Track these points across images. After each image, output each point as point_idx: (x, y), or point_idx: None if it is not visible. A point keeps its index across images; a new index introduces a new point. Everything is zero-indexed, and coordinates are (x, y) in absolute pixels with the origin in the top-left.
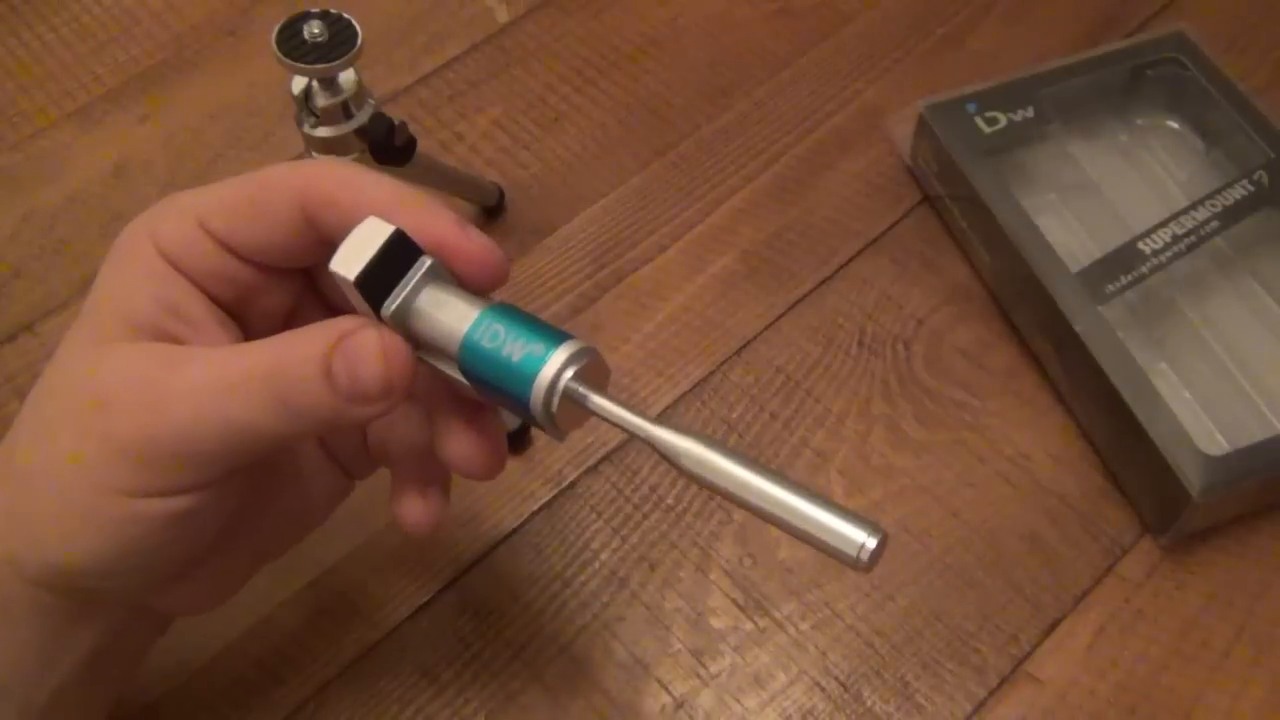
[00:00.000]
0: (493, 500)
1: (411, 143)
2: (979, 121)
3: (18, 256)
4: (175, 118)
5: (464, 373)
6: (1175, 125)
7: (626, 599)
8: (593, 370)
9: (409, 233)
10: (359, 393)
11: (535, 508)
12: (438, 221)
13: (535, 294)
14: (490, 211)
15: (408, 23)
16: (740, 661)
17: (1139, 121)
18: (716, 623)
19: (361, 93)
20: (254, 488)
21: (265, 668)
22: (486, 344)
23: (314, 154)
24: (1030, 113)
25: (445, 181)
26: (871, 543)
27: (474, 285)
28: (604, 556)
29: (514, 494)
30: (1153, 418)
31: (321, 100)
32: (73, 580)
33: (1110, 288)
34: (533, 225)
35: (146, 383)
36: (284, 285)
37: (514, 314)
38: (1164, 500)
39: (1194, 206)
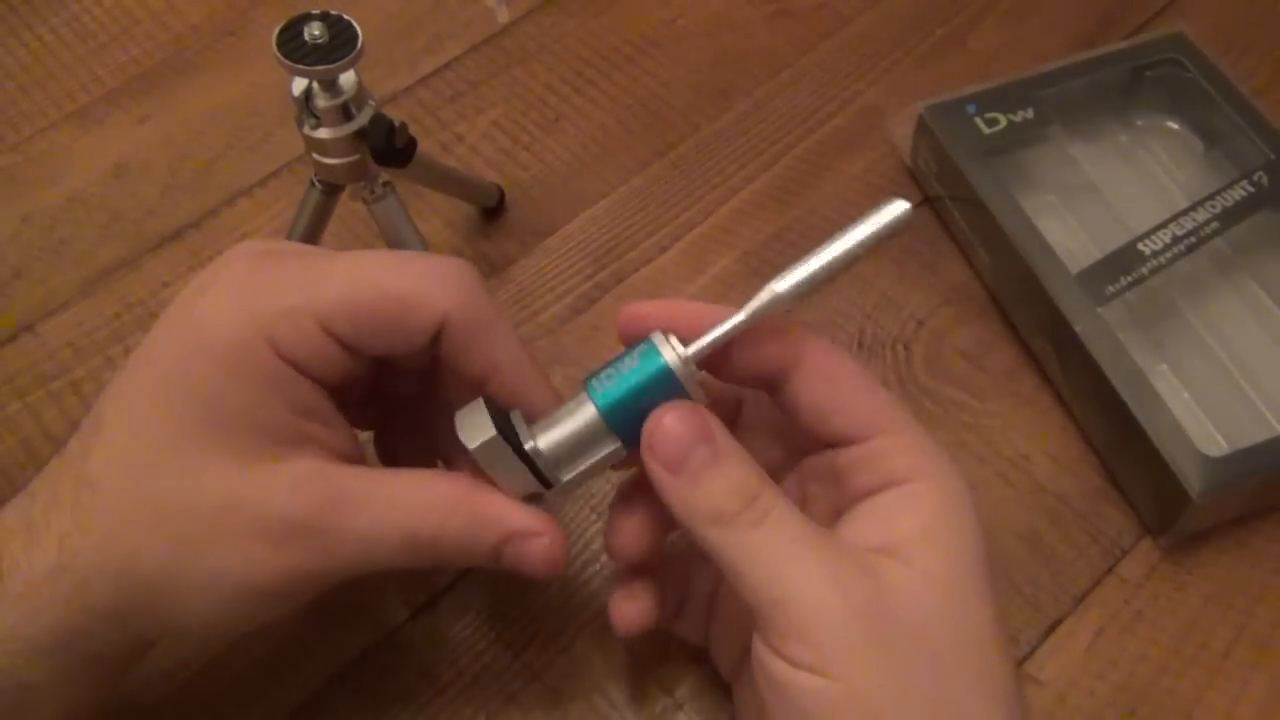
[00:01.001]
0: None
1: (412, 144)
2: (979, 122)
3: (18, 257)
4: (175, 118)
5: (606, 413)
6: (1175, 126)
7: None
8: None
9: (507, 390)
10: (516, 573)
11: None
12: (534, 388)
13: (536, 294)
14: (490, 212)
15: (408, 24)
16: None
17: (1139, 122)
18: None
19: (362, 94)
20: None
21: (266, 668)
22: (607, 384)
23: (315, 155)
24: (1030, 114)
25: (445, 182)
26: (907, 203)
27: None
28: (605, 557)
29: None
30: (1152, 419)
31: (322, 101)
32: (184, 636)
33: (1110, 289)
34: (533, 226)
35: (316, 528)
36: (369, 365)
37: (597, 373)
38: (1164, 501)
39: (1194, 207)
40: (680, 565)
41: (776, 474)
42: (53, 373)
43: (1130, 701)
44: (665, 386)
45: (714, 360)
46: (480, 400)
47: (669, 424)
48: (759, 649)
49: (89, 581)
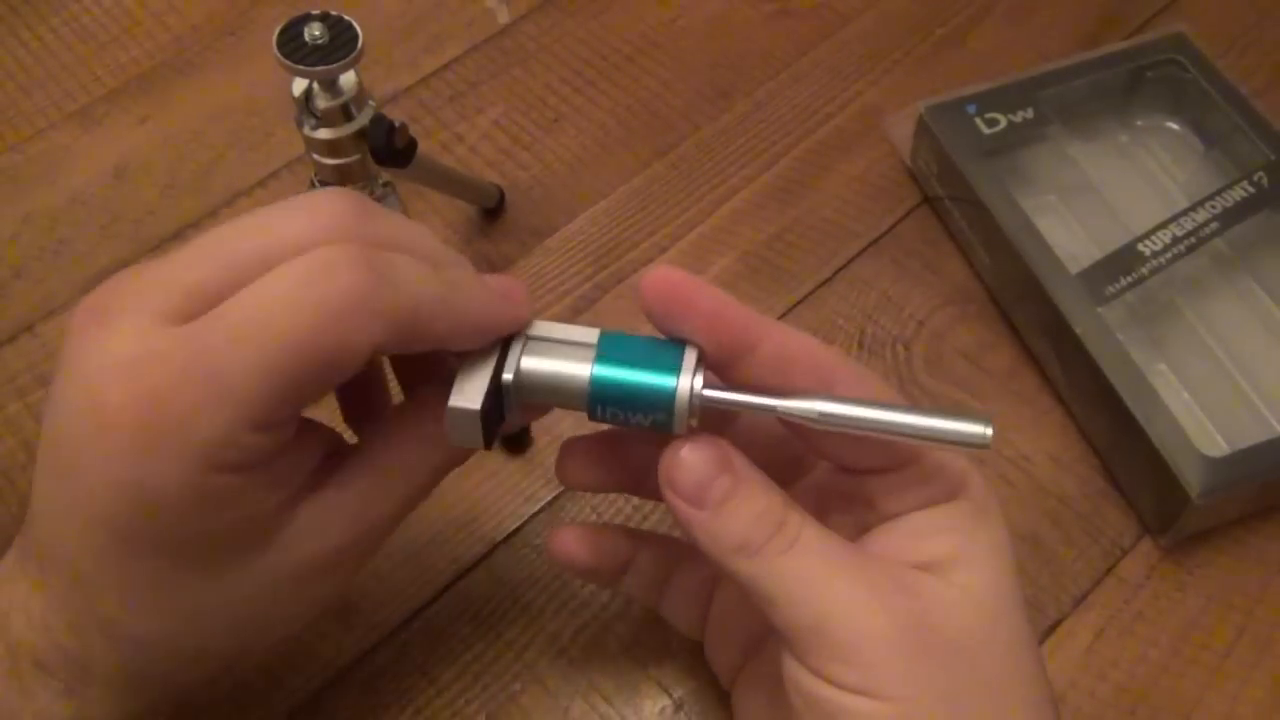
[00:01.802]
0: (493, 501)
1: (412, 144)
2: (979, 122)
3: (18, 257)
4: (175, 119)
5: (594, 401)
6: (1175, 126)
7: (626, 599)
8: (703, 367)
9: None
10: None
11: (536, 509)
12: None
13: (536, 295)
14: (490, 212)
15: (408, 24)
16: None
17: (1139, 123)
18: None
19: (362, 94)
20: None
21: (266, 668)
22: (614, 371)
23: (315, 156)
24: (1030, 114)
25: (445, 183)
26: (989, 430)
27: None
28: None
29: (514, 495)
30: (1152, 419)
31: (322, 102)
32: None
33: (1110, 289)
34: (533, 226)
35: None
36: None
37: (621, 340)
38: (1163, 501)
39: (1194, 208)
40: (671, 545)
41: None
42: (53, 373)
43: (1130, 702)
44: (659, 408)
45: (738, 358)
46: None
47: (686, 457)
48: (797, 672)
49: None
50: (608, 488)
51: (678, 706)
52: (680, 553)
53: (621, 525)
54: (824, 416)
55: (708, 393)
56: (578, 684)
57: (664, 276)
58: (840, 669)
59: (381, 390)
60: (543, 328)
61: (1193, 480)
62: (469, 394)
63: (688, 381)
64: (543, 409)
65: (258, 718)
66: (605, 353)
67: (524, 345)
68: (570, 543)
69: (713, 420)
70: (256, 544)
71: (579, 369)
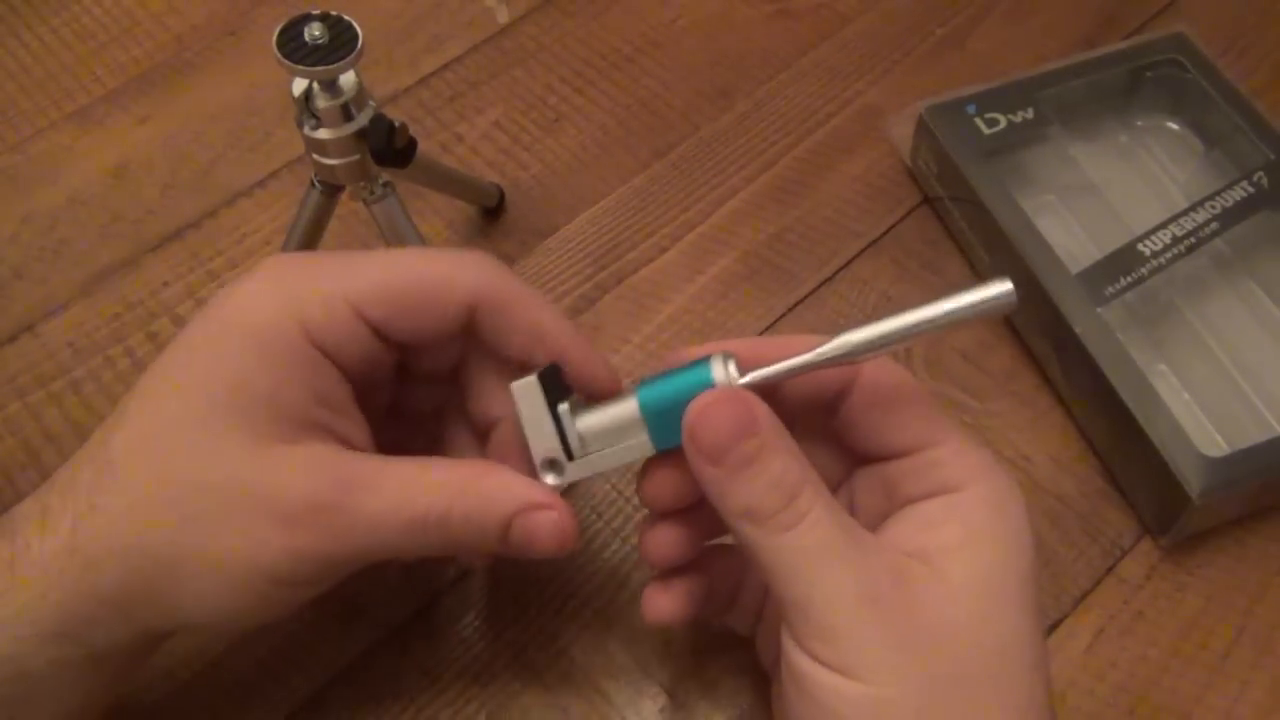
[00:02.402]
0: None
1: (412, 144)
2: (979, 123)
3: (18, 257)
4: (175, 119)
5: (645, 408)
6: (1175, 127)
7: (627, 600)
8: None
9: (559, 353)
10: (526, 553)
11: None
12: (585, 349)
13: None
14: (490, 212)
15: (408, 24)
16: (741, 663)
17: (1139, 123)
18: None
19: (362, 95)
20: None
21: (266, 668)
22: (655, 382)
23: (315, 156)
24: (1030, 114)
25: (445, 183)
26: (1008, 284)
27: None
28: (605, 557)
29: None
30: (1152, 419)
31: (322, 102)
32: (189, 630)
33: (1110, 289)
34: (533, 226)
35: (327, 508)
36: (392, 356)
37: (651, 378)
38: (1163, 501)
39: (1194, 208)
40: (737, 557)
41: (832, 488)
42: (53, 373)
43: (1130, 702)
44: (702, 384)
45: (770, 390)
46: (550, 367)
47: (713, 413)
48: (785, 641)
49: (99, 562)
50: (691, 553)
51: (678, 706)
52: (743, 561)
53: (689, 565)
54: (855, 341)
55: (745, 379)
56: (578, 684)
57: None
58: (820, 645)
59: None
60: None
61: (1193, 480)
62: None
63: (721, 372)
64: (613, 459)
65: (259, 717)
66: (642, 384)
67: (572, 398)
68: (665, 605)
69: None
70: (270, 433)
71: (627, 403)
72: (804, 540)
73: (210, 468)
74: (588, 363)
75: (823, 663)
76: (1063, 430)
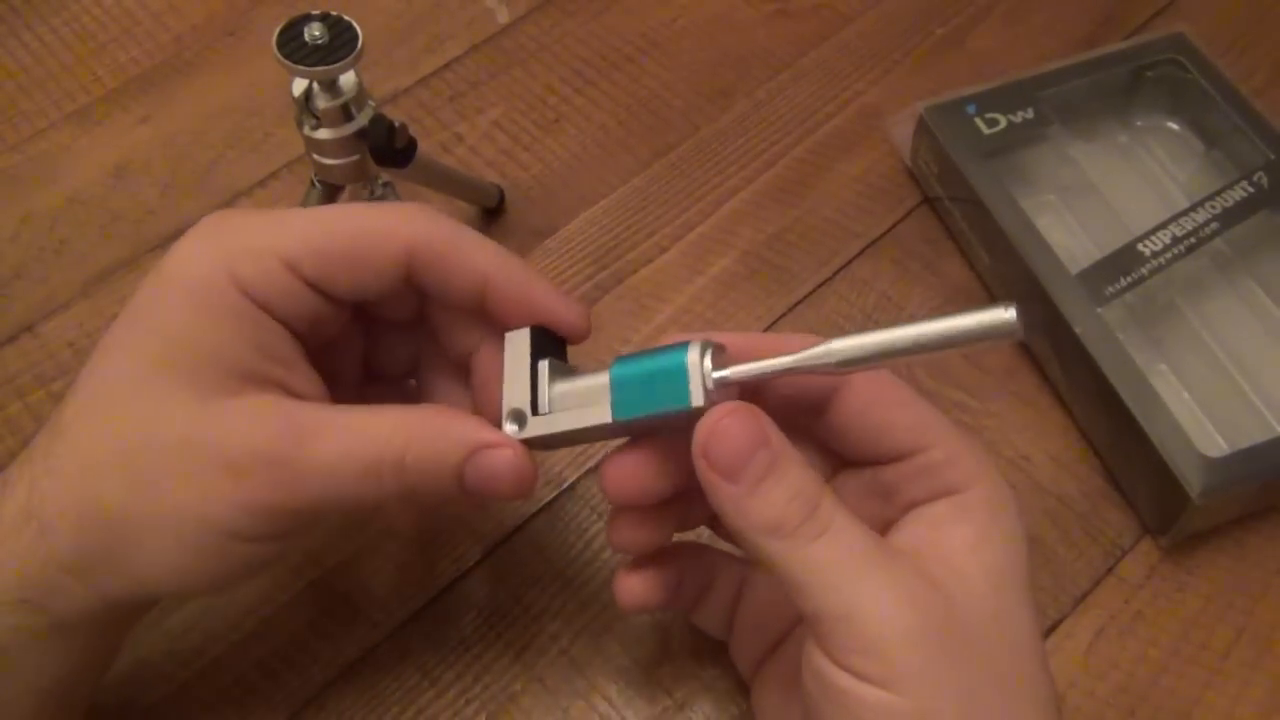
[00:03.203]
0: (493, 501)
1: (412, 144)
2: (979, 123)
3: (18, 257)
4: (175, 118)
5: (616, 400)
6: (1175, 127)
7: None
8: (721, 354)
9: (511, 297)
10: (484, 495)
11: (536, 509)
12: (542, 292)
13: None
14: (490, 212)
15: (408, 24)
16: None
17: (1139, 123)
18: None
19: (362, 95)
20: None
21: (266, 668)
22: (632, 364)
23: (315, 156)
24: (1030, 114)
25: (445, 183)
26: (1012, 311)
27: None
28: (605, 557)
29: None
30: (1152, 419)
31: (322, 102)
32: (154, 599)
33: (1110, 289)
34: (533, 226)
35: (278, 459)
36: (343, 311)
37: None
38: (1163, 502)
39: (1194, 208)
40: (707, 555)
41: None
42: (53, 373)
43: (1130, 702)
44: (675, 390)
45: (754, 389)
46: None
47: (727, 426)
48: (817, 659)
49: (53, 526)
50: (659, 542)
51: (678, 706)
52: (716, 560)
53: (665, 550)
54: (839, 349)
55: (718, 373)
56: (578, 684)
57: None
58: (862, 660)
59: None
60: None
61: (1193, 480)
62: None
63: (696, 356)
64: (576, 434)
65: (259, 717)
66: (617, 360)
67: (555, 365)
68: (639, 589)
69: None
70: (216, 386)
71: (601, 375)
72: (834, 550)
73: (156, 425)
74: (546, 308)
75: (866, 679)
76: (1063, 430)
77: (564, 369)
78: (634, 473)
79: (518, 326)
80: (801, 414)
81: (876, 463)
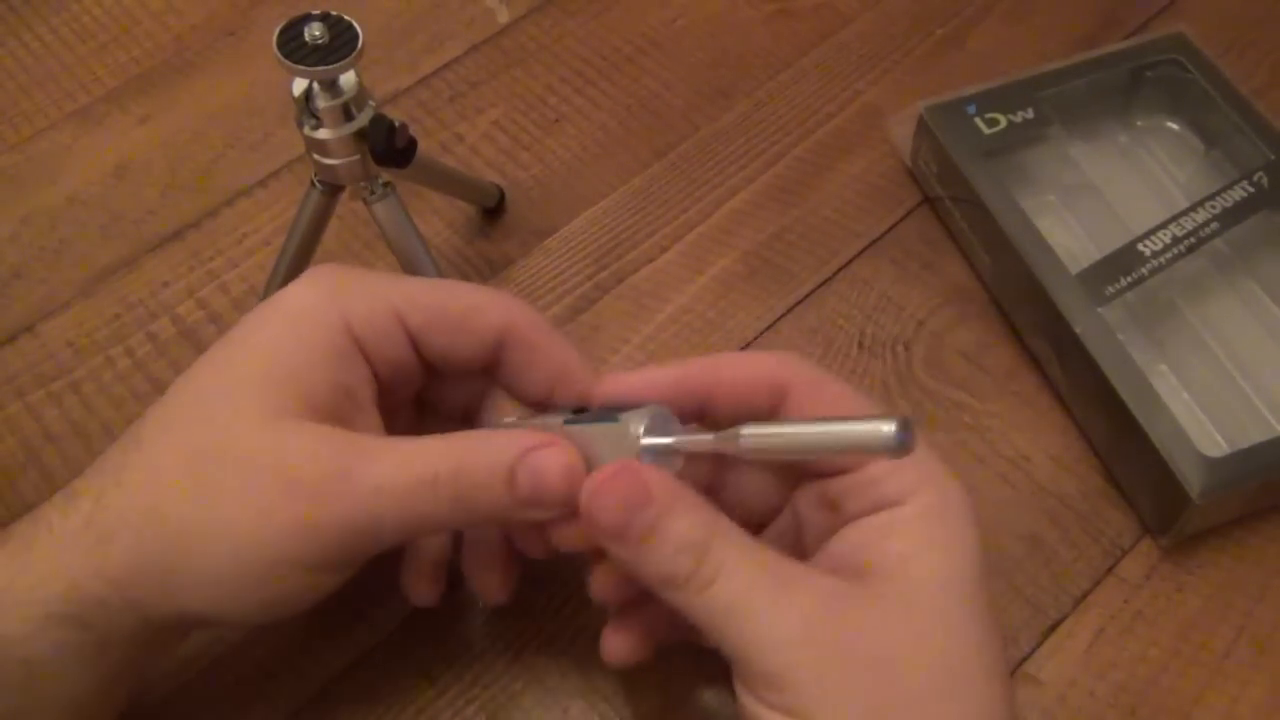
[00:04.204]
0: None
1: (412, 144)
2: (979, 123)
3: (18, 257)
4: (175, 118)
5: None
6: (1175, 127)
7: None
8: (663, 422)
9: (573, 394)
10: (537, 501)
11: None
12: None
13: (536, 295)
14: (490, 212)
15: (408, 24)
16: None
17: (1139, 123)
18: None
19: (362, 94)
20: None
21: (266, 668)
22: (579, 428)
23: (315, 156)
24: (1030, 114)
25: (445, 183)
26: (891, 426)
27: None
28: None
29: None
30: (1152, 419)
31: (322, 102)
32: (191, 621)
33: (1110, 289)
34: (533, 226)
35: (339, 474)
36: (423, 372)
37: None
38: (1163, 502)
39: (1194, 208)
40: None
41: (777, 507)
42: (53, 373)
43: (1130, 701)
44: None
45: (702, 403)
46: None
47: (608, 489)
48: (738, 689)
49: (112, 534)
50: (650, 653)
51: (677, 706)
52: None
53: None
54: (745, 442)
55: (645, 441)
56: (578, 684)
57: (613, 385)
58: (769, 693)
59: None
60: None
61: (1193, 480)
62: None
63: (633, 426)
64: None
65: (259, 717)
66: (573, 416)
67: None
68: (622, 646)
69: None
70: (291, 410)
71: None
72: (724, 595)
73: (227, 439)
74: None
75: (772, 707)
76: (1063, 430)
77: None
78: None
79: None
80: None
81: (825, 475)
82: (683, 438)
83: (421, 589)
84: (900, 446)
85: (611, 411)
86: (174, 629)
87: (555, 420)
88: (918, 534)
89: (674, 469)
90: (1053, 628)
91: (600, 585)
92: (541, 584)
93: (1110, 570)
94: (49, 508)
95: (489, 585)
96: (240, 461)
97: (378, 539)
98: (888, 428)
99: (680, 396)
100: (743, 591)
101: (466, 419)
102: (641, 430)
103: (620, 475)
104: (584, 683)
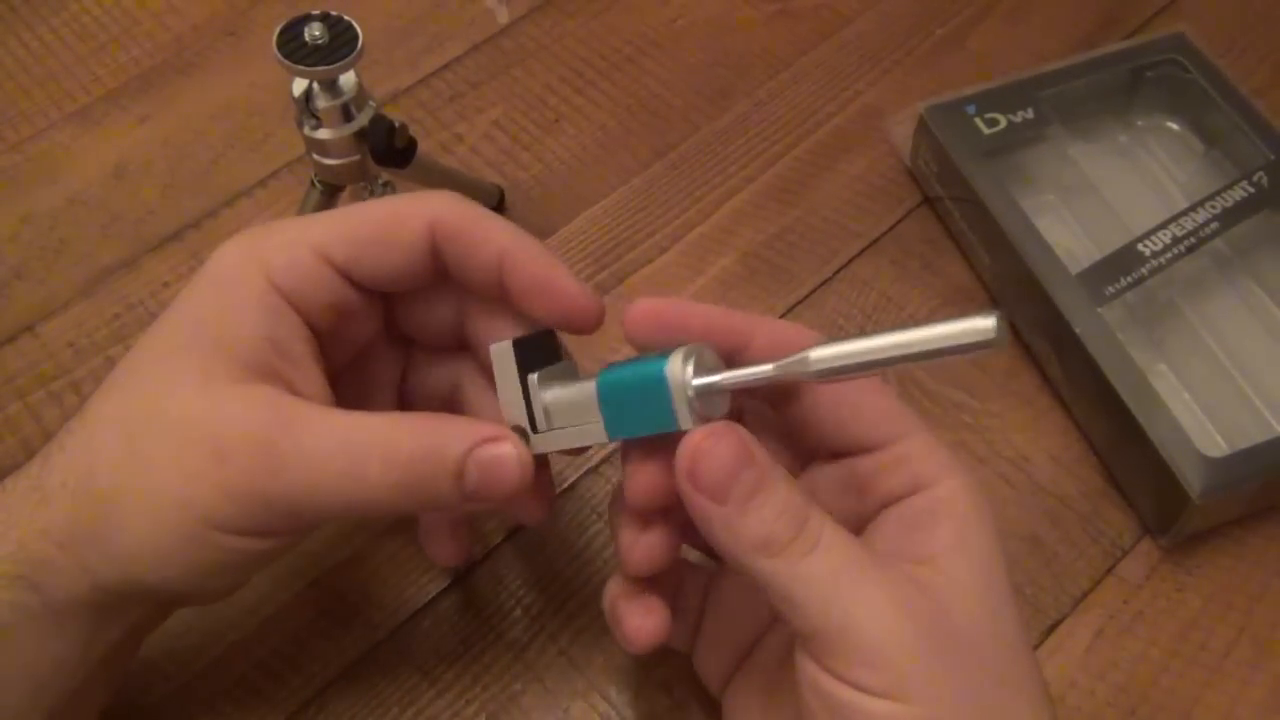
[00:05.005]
0: None
1: (412, 144)
2: (979, 123)
3: (18, 257)
4: (175, 118)
5: (601, 392)
6: (1175, 126)
7: None
8: (709, 360)
9: (529, 274)
10: (486, 495)
11: None
12: (554, 268)
13: None
14: None
15: (408, 24)
16: None
17: (1139, 123)
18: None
19: (362, 95)
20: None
21: (267, 669)
22: (619, 368)
23: (315, 156)
24: (1030, 114)
25: (445, 183)
26: (992, 320)
27: (575, 327)
28: (605, 556)
29: None
30: (1152, 419)
31: (322, 102)
32: (140, 588)
33: (1110, 289)
34: (533, 226)
35: (266, 445)
36: (372, 314)
37: (620, 364)
38: (1163, 502)
39: (1194, 208)
40: (673, 574)
41: None
42: (53, 373)
43: (1130, 702)
44: (657, 399)
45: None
46: (540, 333)
47: (709, 447)
48: (815, 674)
49: (52, 496)
50: (673, 552)
51: (678, 706)
52: (681, 571)
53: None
54: (818, 362)
55: (697, 381)
56: (577, 684)
57: (647, 306)
58: (865, 673)
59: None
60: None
61: (1193, 480)
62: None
63: (678, 365)
64: (572, 441)
65: (259, 717)
66: (608, 370)
67: (558, 368)
68: (652, 626)
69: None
70: (223, 373)
71: (588, 385)
72: (826, 564)
73: (159, 403)
74: (561, 290)
75: (870, 691)
76: (1063, 430)
77: (554, 373)
78: (651, 477)
79: (501, 337)
80: (768, 404)
81: (848, 454)
82: (737, 372)
83: (440, 549)
84: (1003, 339)
85: (645, 361)
86: (133, 601)
87: (593, 377)
88: (963, 516)
89: (720, 413)
90: (1053, 628)
91: (641, 552)
92: (542, 584)
93: (1110, 570)
94: (11, 476)
95: (441, 550)
96: (169, 427)
97: (309, 512)
98: (988, 321)
99: (721, 343)
100: (843, 563)
101: (448, 406)
102: (691, 371)
103: (724, 433)
104: (584, 683)
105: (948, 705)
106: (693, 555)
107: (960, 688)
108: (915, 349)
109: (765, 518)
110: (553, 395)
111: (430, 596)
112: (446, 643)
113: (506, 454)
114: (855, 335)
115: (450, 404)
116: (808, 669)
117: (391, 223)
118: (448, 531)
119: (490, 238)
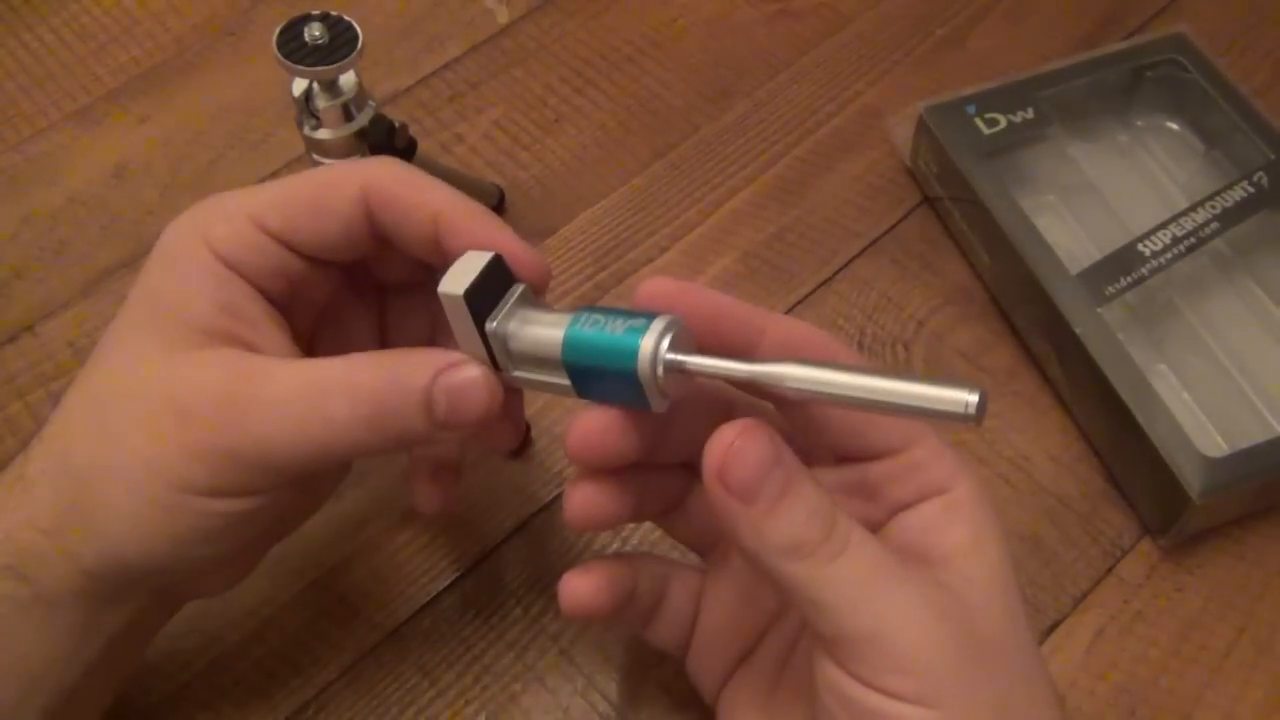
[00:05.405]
0: (494, 501)
1: (412, 144)
2: (979, 123)
3: (18, 257)
4: (175, 118)
5: (567, 365)
6: (1175, 126)
7: None
8: (684, 337)
9: (464, 232)
10: (454, 423)
11: (536, 509)
12: (493, 229)
13: None
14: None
15: (408, 24)
16: None
17: (1139, 123)
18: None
19: (362, 95)
20: (304, 487)
21: (266, 669)
22: (588, 329)
23: (315, 156)
24: (1030, 114)
25: (445, 183)
26: (973, 396)
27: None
28: (605, 554)
29: (515, 495)
30: (1152, 419)
31: (322, 102)
32: (127, 570)
33: (1110, 289)
34: (533, 226)
35: (227, 397)
36: (326, 276)
37: (603, 308)
38: (1164, 502)
39: (1194, 208)
40: (660, 566)
41: None
42: (53, 373)
43: (1130, 702)
44: (622, 370)
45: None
46: (486, 254)
47: (741, 448)
48: (839, 679)
49: (34, 483)
50: (619, 520)
51: (678, 706)
52: (669, 571)
53: (615, 555)
54: (792, 381)
55: (670, 356)
56: (578, 684)
57: (660, 286)
58: (897, 679)
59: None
60: (534, 304)
61: (1193, 480)
62: (455, 282)
63: (651, 343)
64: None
65: (259, 717)
66: (579, 316)
67: (513, 299)
68: (586, 591)
69: (714, 418)
70: (182, 341)
71: (555, 335)
72: (855, 568)
73: (124, 377)
74: (503, 248)
75: (901, 697)
76: (1063, 430)
77: (514, 312)
78: (601, 432)
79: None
80: (776, 403)
81: (858, 459)
82: (711, 359)
83: (423, 494)
84: (980, 418)
85: (623, 318)
86: (126, 589)
87: (563, 324)
88: (977, 519)
89: (687, 390)
90: (1053, 628)
91: (580, 503)
92: (542, 585)
93: (1110, 570)
94: (4, 470)
95: (425, 496)
96: (134, 397)
97: (278, 462)
98: (971, 397)
99: (728, 334)
100: (872, 566)
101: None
102: (667, 342)
103: (753, 431)
104: (584, 682)
105: (978, 709)
106: (692, 557)
107: (988, 691)
108: (892, 399)
109: (795, 520)
110: (518, 339)
111: (430, 596)
112: (446, 643)
113: (473, 377)
114: (842, 366)
115: (431, 344)
116: (830, 674)
117: (324, 190)
118: (428, 474)
119: (424, 200)
